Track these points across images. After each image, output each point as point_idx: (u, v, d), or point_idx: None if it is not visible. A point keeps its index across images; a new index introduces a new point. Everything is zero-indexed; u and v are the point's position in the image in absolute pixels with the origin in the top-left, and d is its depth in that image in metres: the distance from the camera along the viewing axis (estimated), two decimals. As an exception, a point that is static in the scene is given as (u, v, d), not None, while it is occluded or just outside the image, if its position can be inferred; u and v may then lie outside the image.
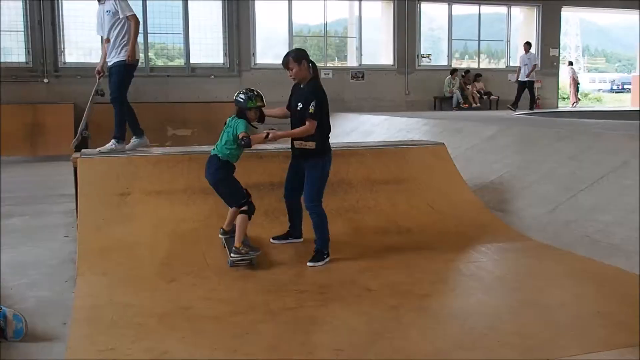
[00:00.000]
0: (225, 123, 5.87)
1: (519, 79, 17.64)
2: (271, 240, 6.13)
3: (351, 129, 14.06)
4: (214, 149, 5.72)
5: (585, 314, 4.36)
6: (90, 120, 7.90)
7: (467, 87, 19.44)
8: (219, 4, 17.15)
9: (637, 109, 20.85)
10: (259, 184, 6.47)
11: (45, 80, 15.43)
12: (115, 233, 5.86)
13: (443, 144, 8.02)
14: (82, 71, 14.50)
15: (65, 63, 15.70)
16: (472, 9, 20.34)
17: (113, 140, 7.16)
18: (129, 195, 6.26)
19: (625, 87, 41.55)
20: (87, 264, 5.37)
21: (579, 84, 25.08)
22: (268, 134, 5.55)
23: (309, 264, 5.54)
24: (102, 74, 7.49)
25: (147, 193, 6.31)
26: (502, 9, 20.70)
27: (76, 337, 3.92)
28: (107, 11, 7.20)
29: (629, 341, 3.84)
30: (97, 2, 7.36)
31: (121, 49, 7.16)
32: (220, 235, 5.85)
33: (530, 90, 17.67)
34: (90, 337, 3.94)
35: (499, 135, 9.84)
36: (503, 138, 9.61)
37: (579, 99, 24.47)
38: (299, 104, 5.70)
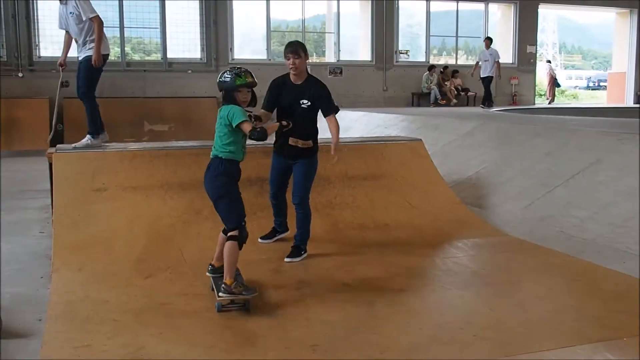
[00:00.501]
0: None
1: (481, 76, 17.10)
2: (259, 240, 6.02)
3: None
4: (213, 149, 4.76)
5: (560, 309, 4.40)
6: (60, 113, 7.89)
7: (445, 83, 19.53)
8: (197, -1, 17.08)
9: (613, 106, 21.09)
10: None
11: (20, 75, 15.28)
12: (91, 229, 5.81)
13: (421, 140, 8.04)
14: (57, 65, 14.35)
15: (40, 57, 15.55)
16: (450, 6, 20.43)
17: (88, 136, 7.12)
18: (105, 191, 6.21)
19: (601, 84, 41.94)
20: (62, 260, 5.33)
21: (556, 80, 25.20)
22: (288, 123, 4.97)
23: (286, 259, 5.53)
24: (64, 66, 7.56)
25: (124, 189, 6.26)
26: (480, 6, 20.81)
27: (52, 333, 3.89)
28: (70, 13, 7.23)
29: (602, 335, 3.88)
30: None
31: (89, 46, 7.16)
32: (208, 274, 4.77)
33: (487, 87, 17.20)
34: (65, 333, 3.91)
35: (476, 131, 9.90)
36: (480, 134, 9.67)
37: (554, 96, 24.56)
38: (304, 101, 5.59)
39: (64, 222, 5.86)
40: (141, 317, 4.17)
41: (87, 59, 7.14)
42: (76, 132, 7.67)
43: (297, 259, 5.56)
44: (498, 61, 16.87)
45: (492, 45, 17.22)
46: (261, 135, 4.50)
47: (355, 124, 13.34)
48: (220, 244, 4.67)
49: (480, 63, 17.07)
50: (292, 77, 5.71)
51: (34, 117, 14.32)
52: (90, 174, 6.34)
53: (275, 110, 5.79)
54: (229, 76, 4.62)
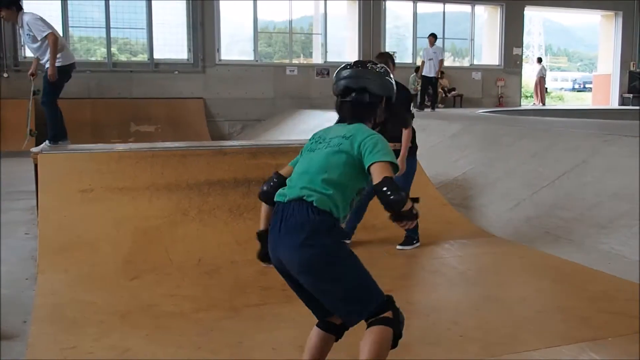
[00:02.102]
0: (314, 136, 2.85)
1: (422, 74, 16.09)
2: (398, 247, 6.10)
3: (316, 126, 13.98)
4: (289, 189, 2.64)
5: (546, 309, 4.42)
6: (38, 118, 8.34)
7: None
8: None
9: (598, 107, 21.23)
10: (223, 180, 6.43)
11: (5, 75, 15.19)
12: (77, 230, 5.78)
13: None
14: (42, 66, 14.27)
15: (25, 57, 15.46)
16: (437, 7, 20.50)
17: (46, 141, 7.61)
18: (91, 192, 6.17)
19: (587, 86, 42.17)
20: (48, 261, 5.30)
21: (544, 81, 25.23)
22: (416, 208, 2.58)
23: (398, 247, 5.98)
24: (34, 75, 8.19)
25: (110, 190, 6.23)
26: (467, 8, 20.90)
27: (37, 335, 3.87)
28: (27, 34, 7.68)
29: (588, 335, 3.90)
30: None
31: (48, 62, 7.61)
32: None
33: (434, 87, 16.58)
34: (51, 335, 3.89)
35: (462, 132, 9.93)
36: (467, 136, 9.70)
37: (544, 98, 24.59)
38: None
39: (50, 223, 5.83)
40: (128, 318, 4.15)
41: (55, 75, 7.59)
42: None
43: (408, 248, 5.97)
44: (442, 59, 16.32)
45: (436, 42, 16.33)
46: (400, 199, 2.45)
47: (342, 125, 13.34)
48: (315, 349, 2.92)
49: (424, 61, 16.05)
50: None
51: (19, 117, 14.18)
52: (76, 175, 6.30)
53: None
54: (390, 75, 2.85)
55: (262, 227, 2.77)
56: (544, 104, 23.84)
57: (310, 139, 2.81)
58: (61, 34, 7.79)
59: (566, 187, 6.87)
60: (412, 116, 5.99)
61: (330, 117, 11.09)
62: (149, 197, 6.27)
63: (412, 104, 5.96)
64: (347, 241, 5.56)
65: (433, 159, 9.00)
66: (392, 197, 2.41)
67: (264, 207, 2.79)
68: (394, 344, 2.61)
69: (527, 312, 4.37)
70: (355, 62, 2.85)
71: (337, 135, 2.67)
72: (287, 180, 2.69)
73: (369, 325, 2.58)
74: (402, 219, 2.49)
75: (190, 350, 3.65)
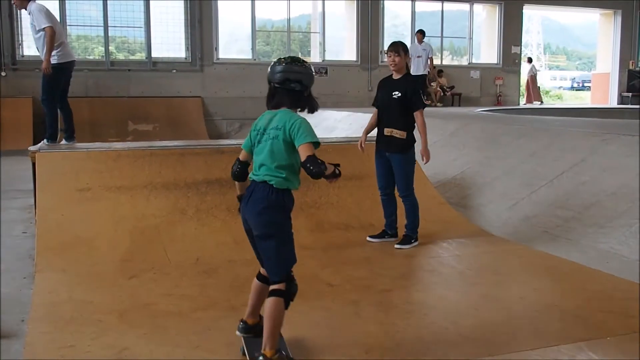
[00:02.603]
0: (255, 127, 3.54)
1: (413, 74, 15.18)
2: (368, 238, 6.22)
3: (314, 125, 13.87)
4: (256, 172, 3.45)
5: (544, 308, 4.42)
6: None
7: (432, 84, 19.51)
8: (181, -2, 17.03)
9: (597, 106, 21.24)
10: (221, 179, 6.42)
11: (3, 74, 15.16)
12: (74, 229, 5.78)
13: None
14: (41, 64, 14.26)
15: (23, 56, 15.44)
16: (435, 6, 20.47)
17: (44, 140, 7.57)
18: (89, 191, 6.17)
19: (586, 84, 42.24)
20: (46, 260, 5.30)
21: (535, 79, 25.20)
22: (338, 169, 3.41)
23: (396, 246, 5.97)
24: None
25: (108, 188, 6.23)
26: (465, 6, 20.88)
27: (35, 334, 3.87)
28: (31, 24, 7.65)
29: (586, 335, 3.91)
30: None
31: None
32: (238, 333, 3.68)
33: (423, 86, 15.54)
34: (49, 334, 3.88)
35: (461, 131, 9.93)
36: (465, 134, 9.70)
37: (540, 96, 24.59)
38: (396, 92, 5.94)
39: (48, 222, 5.82)
40: (125, 317, 4.15)
41: (50, 69, 7.54)
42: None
43: (406, 247, 5.97)
44: (431, 57, 15.87)
45: (424, 39, 15.64)
46: (320, 170, 3.25)
47: (340, 124, 13.35)
48: (255, 293, 3.68)
49: (411, 59, 15.13)
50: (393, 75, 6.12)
51: (17, 116, 14.24)
52: (74, 174, 6.30)
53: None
54: (307, 69, 3.53)
55: (238, 192, 3.65)
56: (541, 102, 23.82)
57: (253, 128, 3.54)
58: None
59: (565, 187, 6.87)
60: (423, 103, 6.10)
61: (327, 116, 11.17)
62: (147, 196, 6.27)
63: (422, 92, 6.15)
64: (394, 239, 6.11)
65: (431, 157, 8.99)
66: (314, 170, 3.24)
67: (236, 182, 3.67)
68: (287, 307, 3.40)
69: (525, 311, 4.37)
70: (290, 58, 3.55)
71: (272, 127, 3.42)
72: (253, 167, 3.50)
73: (269, 295, 3.40)
74: (328, 178, 3.37)
75: (188, 350, 3.65)
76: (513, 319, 4.20)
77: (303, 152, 3.29)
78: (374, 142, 6.24)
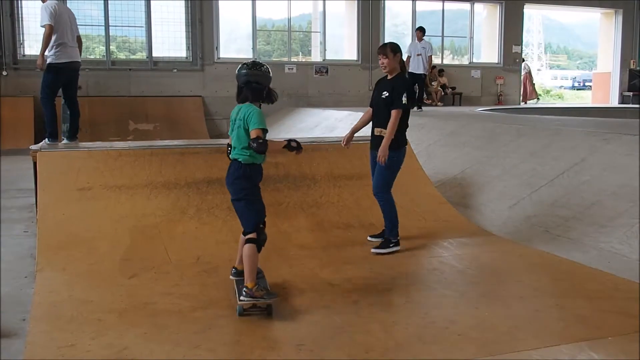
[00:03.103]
0: (230, 118, 4.62)
1: (409, 71, 13.96)
2: (368, 238, 6.17)
3: (315, 124, 14.06)
4: (233, 155, 4.52)
5: (545, 308, 4.42)
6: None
7: (432, 83, 19.52)
8: (182, -3, 17.03)
9: (597, 106, 21.23)
10: (222, 178, 6.38)
11: (4, 73, 15.17)
12: (75, 228, 5.79)
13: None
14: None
15: (24, 55, 15.45)
16: (436, 5, 20.46)
17: (46, 139, 7.61)
18: (90, 190, 6.18)
19: (586, 84, 42.20)
20: (46, 259, 5.30)
21: (530, 75, 25.14)
22: (295, 142, 4.61)
23: (372, 250, 5.80)
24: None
25: (108, 188, 6.24)
26: (466, 6, 20.87)
27: (35, 333, 3.87)
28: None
29: (586, 334, 3.90)
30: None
31: (47, 52, 7.68)
32: (231, 277, 4.75)
33: (420, 86, 14.85)
34: (49, 333, 3.89)
35: (461, 130, 9.93)
36: (465, 134, 9.70)
37: (536, 92, 24.53)
38: (385, 92, 5.89)
39: (48, 221, 5.83)
40: (125, 316, 4.15)
41: (47, 66, 7.69)
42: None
43: (383, 251, 5.81)
44: (431, 55, 14.92)
45: (424, 37, 14.77)
46: (259, 147, 4.26)
47: (340, 123, 13.34)
48: (241, 245, 4.57)
49: (410, 57, 14.48)
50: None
51: (18, 116, 14.26)
52: (75, 173, 6.31)
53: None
54: (264, 70, 4.51)
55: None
56: (537, 99, 23.75)
57: (231, 119, 4.58)
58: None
59: (565, 186, 6.87)
60: (406, 104, 5.87)
61: (327, 115, 11.19)
62: (147, 195, 6.27)
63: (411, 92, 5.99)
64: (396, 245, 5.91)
65: (432, 157, 9.01)
66: (255, 146, 4.26)
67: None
68: (259, 250, 4.38)
69: (525, 311, 4.37)
70: (252, 62, 4.55)
71: (239, 117, 4.43)
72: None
73: (245, 242, 4.40)
74: (291, 150, 4.57)
75: (188, 349, 3.65)
76: (513, 319, 4.20)
77: (252, 135, 4.30)
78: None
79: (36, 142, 7.92)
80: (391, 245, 5.86)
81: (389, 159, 5.81)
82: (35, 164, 6.47)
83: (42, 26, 7.60)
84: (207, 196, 6.35)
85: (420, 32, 14.88)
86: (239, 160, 4.44)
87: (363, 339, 3.83)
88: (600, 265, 5.32)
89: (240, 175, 4.45)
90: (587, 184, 6.69)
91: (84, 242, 5.63)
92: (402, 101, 5.81)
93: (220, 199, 6.29)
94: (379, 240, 6.02)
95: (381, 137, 5.90)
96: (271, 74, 4.53)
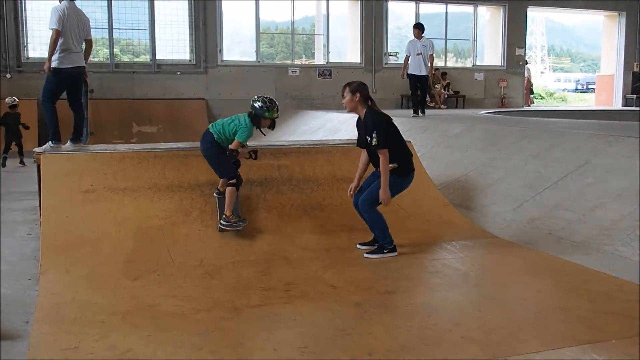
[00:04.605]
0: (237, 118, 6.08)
1: (413, 73, 13.48)
2: (358, 246, 6.05)
3: (318, 127, 14.06)
4: (212, 124, 6.11)
5: (548, 310, 4.42)
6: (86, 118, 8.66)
7: (435, 86, 19.47)
8: (186, 0, 17.04)
9: (601, 108, 21.20)
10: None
11: (8, 76, 15.22)
12: (79, 230, 5.80)
13: (409, 141, 8.03)
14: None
15: (28, 58, 15.50)
16: (439, 8, 20.48)
17: (50, 142, 7.71)
18: (93, 193, 6.19)
19: (590, 87, 42.12)
20: (50, 261, 5.31)
21: (532, 86, 25.07)
22: (255, 152, 6.18)
23: (365, 255, 5.82)
24: (86, 75, 8.25)
25: (112, 190, 6.25)
26: (469, 8, 20.87)
27: (39, 335, 3.87)
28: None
29: (590, 337, 3.90)
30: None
31: (52, 56, 7.68)
32: (215, 194, 6.26)
33: (422, 88, 13.82)
34: (53, 335, 3.89)
35: (464, 133, 9.92)
36: (468, 136, 9.69)
37: (530, 100, 24.47)
38: (367, 137, 5.76)
39: (52, 223, 5.84)
40: (129, 318, 4.16)
41: (51, 70, 7.69)
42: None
43: (375, 256, 5.78)
44: (432, 54, 13.54)
45: (423, 34, 13.59)
46: (230, 155, 6.01)
47: (343, 125, 13.33)
48: (222, 184, 6.17)
49: (409, 56, 13.56)
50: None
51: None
52: (78, 175, 6.32)
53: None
54: (261, 106, 5.94)
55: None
56: (529, 105, 23.61)
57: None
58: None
59: (569, 188, 6.86)
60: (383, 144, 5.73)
61: (331, 117, 11.21)
62: (150, 197, 6.28)
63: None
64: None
65: (435, 159, 9.01)
66: (229, 153, 5.92)
67: None
68: (237, 189, 6.03)
69: (528, 313, 4.36)
70: (259, 97, 6.04)
71: (237, 117, 6.05)
72: None
73: (227, 186, 6.01)
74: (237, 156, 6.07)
75: (191, 351, 3.65)
76: (516, 321, 4.19)
77: (232, 144, 6.00)
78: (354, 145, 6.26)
79: (40, 145, 7.95)
80: (385, 251, 5.80)
81: (393, 182, 5.77)
82: (38, 166, 6.48)
83: (49, 29, 7.62)
84: (210, 198, 6.35)
85: (417, 29, 13.65)
86: (211, 132, 6.04)
87: (366, 342, 3.83)
88: (604, 268, 5.31)
89: (209, 144, 6.06)
90: (591, 187, 6.68)
91: (88, 244, 5.63)
92: (382, 140, 5.67)
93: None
94: (370, 247, 5.95)
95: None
96: (263, 108, 5.94)
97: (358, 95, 5.82)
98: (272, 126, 6.09)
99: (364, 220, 5.98)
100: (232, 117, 6.06)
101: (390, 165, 5.73)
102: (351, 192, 6.04)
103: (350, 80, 6.05)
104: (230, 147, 5.92)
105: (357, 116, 6.04)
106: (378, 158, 5.73)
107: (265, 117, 5.92)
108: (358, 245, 6.05)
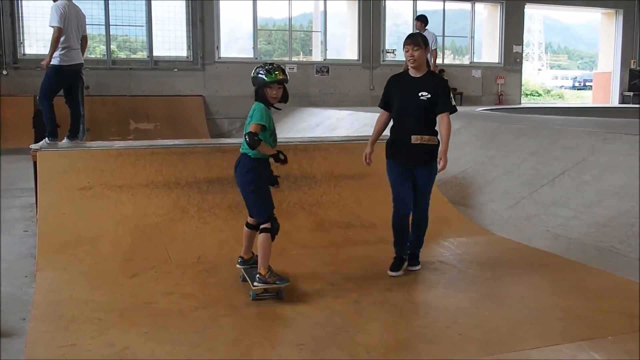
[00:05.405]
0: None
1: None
2: (390, 273, 5.21)
3: (316, 124, 14.05)
4: (242, 145, 4.67)
5: (545, 308, 4.42)
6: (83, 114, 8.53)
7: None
8: (183, -4, 17.02)
9: (598, 105, 21.21)
10: (222, 178, 6.42)
11: (4, 72, 15.15)
12: (76, 228, 5.78)
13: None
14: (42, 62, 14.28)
15: (24, 55, 15.44)
16: (437, 5, 20.45)
17: (46, 138, 7.67)
18: (90, 190, 6.17)
19: (587, 84, 42.15)
20: (47, 259, 5.30)
21: None
22: (283, 155, 4.69)
23: (410, 268, 5.31)
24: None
25: (109, 187, 6.23)
26: (467, 5, 20.86)
27: (36, 333, 3.87)
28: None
29: (587, 334, 3.90)
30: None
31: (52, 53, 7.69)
32: (238, 266, 4.95)
33: None
34: (50, 333, 3.88)
35: (462, 130, 9.91)
36: (466, 133, 9.68)
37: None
38: (424, 93, 5.06)
39: (49, 221, 5.83)
40: (126, 316, 4.15)
41: (50, 67, 7.70)
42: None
43: (418, 267, 5.36)
44: (436, 49, 13.00)
45: (427, 27, 12.88)
46: (253, 143, 4.48)
47: (341, 122, 13.34)
48: (246, 237, 4.93)
49: None
50: (410, 71, 5.24)
51: (18, 115, 14.23)
52: (75, 172, 6.30)
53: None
54: (261, 72, 4.65)
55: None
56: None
57: None
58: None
59: (566, 186, 6.86)
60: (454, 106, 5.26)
61: (329, 114, 11.19)
62: (148, 194, 6.27)
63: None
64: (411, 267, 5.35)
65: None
66: (247, 140, 4.47)
67: None
68: (273, 239, 4.61)
69: (526, 310, 4.37)
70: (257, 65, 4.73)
71: (249, 114, 4.64)
72: None
73: (259, 232, 4.64)
74: (276, 161, 4.67)
75: (189, 348, 3.65)
76: (514, 318, 4.20)
77: (249, 128, 4.52)
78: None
79: (36, 142, 7.94)
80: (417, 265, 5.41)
81: (433, 172, 5.22)
82: (35, 163, 6.47)
83: (50, 26, 7.62)
84: (207, 195, 6.34)
85: (420, 22, 12.91)
86: (248, 154, 4.63)
87: (364, 339, 3.83)
88: (601, 265, 5.32)
89: (248, 169, 4.64)
90: (588, 184, 6.68)
91: (85, 241, 5.62)
92: (452, 103, 5.19)
93: (221, 198, 6.29)
94: (398, 273, 5.25)
95: (421, 146, 5.11)
96: (261, 75, 4.62)
97: (428, 50, 5.22)
98: (284, 97, 4.77)
99: (414, 231, 5.38)
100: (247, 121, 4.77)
101: (429, 139, 5.13)
102: (368, 160, 5.33)
103: (412, 33, 5.30)
104: (249, 129, 4.51)
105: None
106: (420, 123, 5.09)
107: (267, 83, 4.60)
108: (409, 268, 5.36)
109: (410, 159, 5.16)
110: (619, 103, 22.46)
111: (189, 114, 16.47)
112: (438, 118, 5.14)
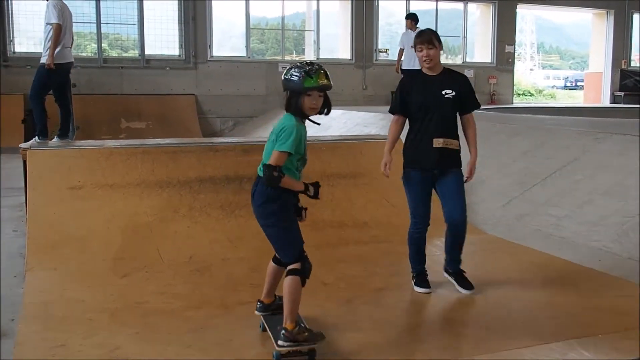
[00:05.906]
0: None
1: (403, 68, 12.55)
2: (419, 290, 4.76)
3: (308, 123, 14.00)
4: (260, 167, 3.68)
5: (536, 306, 4.43)
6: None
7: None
8: (175, -5, 16.96)
9: (589, 105, 21.28)
10: (214, 177, 6.41)
11: (-5, 70, 15.08)
12: (66, 227, 5.75)
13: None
14: (33, 61, 14.02)
15: (15, 53, 15.34)
16: (430, 5, 20.45)
17: (36, 137, 7.63)
18: (81, 189, 6.14)
19: (579, 84, 42.28)
20: (37, 259, 5.27)
21: None
22: (315, 187, 3.80)
23: (466, 291, 4.66)
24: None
25: (100, 186, 6.20)
26: (459, 5, 20.87)
27: (25, 333, 3.85)
28: (45, 15, 7.77)
29: (578, 332, 3.91)
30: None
31: (46, 52, 7.62)
32: (257, 312, 3.95)
33: None
34: (40, 333, 3.86)
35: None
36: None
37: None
38: (449, 91, 4.78)
39: (39, 220, 5.79)
40: (117, 316, 4.13)
41: (43, 64, 7.63)
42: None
43: (473, 291, 4.72)
44: None
45: (417, 26, 12.30)
46: (272, 181, 3.52)
47: (334, 122, 13.33)
48: (270, 275, 3.97)
49: (402, 50, 12.67)
50: (425, 70, 4.93)
51: (8, 113, 14.13)
52: (66, 171, 6.27)
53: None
54: (297, 74, 3.61)
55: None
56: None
57: None
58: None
59: (558, 185, 6.88)
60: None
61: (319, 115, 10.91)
62: (139, 194, 6.24)
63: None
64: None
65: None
66: (265, 175, 3.53)
67: None
68: (303, 284, 3.64)
69: (518, 309, 4.37)
70: (290, 65, 3.75)
71: (273, 131, 3.66)
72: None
73: (286, 275, 3.63)
74: (306, 194, 3.71)
75: (180, 348, 3.63)
76: (506, 317, 4.20)
77: (270, 158, 3.56)
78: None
79: (26, 140, 7.91)
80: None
81: (461, 176, 4.88)
82: (25, 162, 6.43)
83: (49, 24, 7.59)
84: (199, 195, 6.32)
85: (410, 20, 12.55)
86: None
87: (356, 338, 3.82)
88: (592, 264, 5.33)
89: (268, 198, 3.62)
90: (580, 183, 6.69)
91: (75, 241, 5.59)
92: (477, 101, 4.94)
93: (213, 198, 6.27)
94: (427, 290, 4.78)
95: (446, 150, 4.79)
96: (298, 78, 3.60)
97: (442, 48, 4.91)
98: (326, 107, 3.82)
99: (453, 241, 4.92)
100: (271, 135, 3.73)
101: (454, 143, 4.85)
102: (387, 171, 4.90)
103: (423, 30, 4.98)
104: (270, 159, 3.55)
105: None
106: (445, 124, 4.79)
107: (305, 90, 3.61)
108: (421, 290, 4.80)
109: (436, 164, 4.79)
110: (610, 103, 22.52)
111: (181, 113, 16.41)
112: (463, 119, 4.90)
